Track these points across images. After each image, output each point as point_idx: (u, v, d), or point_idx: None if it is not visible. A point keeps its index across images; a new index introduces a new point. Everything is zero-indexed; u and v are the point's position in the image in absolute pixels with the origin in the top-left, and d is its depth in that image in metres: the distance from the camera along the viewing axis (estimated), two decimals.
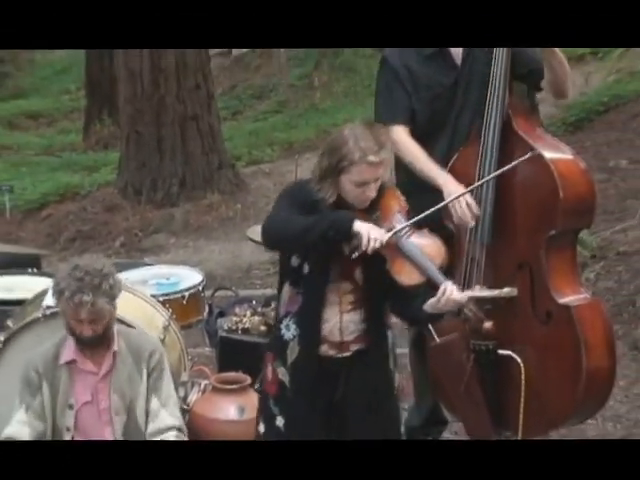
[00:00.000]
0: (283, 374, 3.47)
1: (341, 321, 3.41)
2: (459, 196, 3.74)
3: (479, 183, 3.77)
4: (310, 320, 3.41)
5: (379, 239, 3.22)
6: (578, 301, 3.79)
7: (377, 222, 3.31)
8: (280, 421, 3.48)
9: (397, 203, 3.37)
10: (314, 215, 3.30)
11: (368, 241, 3.21)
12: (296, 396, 3.45)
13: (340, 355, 3.44)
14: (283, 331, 3.47)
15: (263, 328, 4.90)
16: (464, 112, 4.01)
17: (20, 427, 3.62)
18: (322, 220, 3.27)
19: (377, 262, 3.30)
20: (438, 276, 3.24)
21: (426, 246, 3.28)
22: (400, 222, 3.31)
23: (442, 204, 3.65)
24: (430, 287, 3.26)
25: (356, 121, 3.42)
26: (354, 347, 3.44)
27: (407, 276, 3.26)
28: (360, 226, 3.24)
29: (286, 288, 3.47)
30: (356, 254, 3.25)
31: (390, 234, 3.25)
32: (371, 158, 3.24)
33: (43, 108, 16.11)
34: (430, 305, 3.28)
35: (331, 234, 3.25)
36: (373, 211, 3.35)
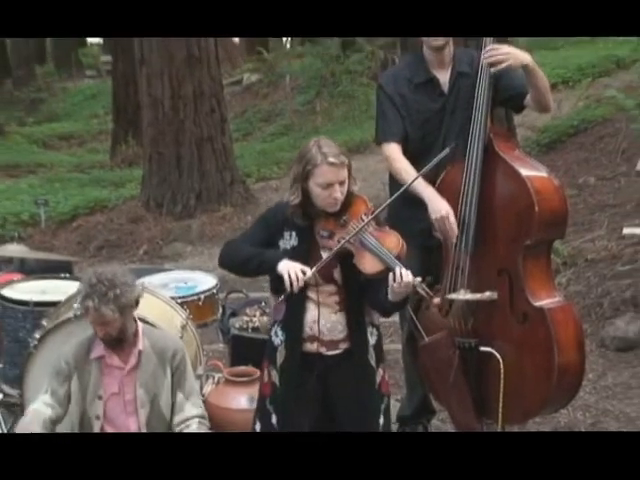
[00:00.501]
0: (275, 376, 3.47)
1: (329, 321, 3.39)
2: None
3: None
4: (294, 325, 3.40)
5: (301, 279, 3.24)
6: (552, 304, 3.78)
7: (345, 224, 3.34)
8: (274, 419, 3.48)
9: (365, 207, 3.39)
10: (285, 232, 3.38)
11: (290, 284, 3.23)
12: (285, 395, 3.44)
13: (331, 353, 3.42)
14: (273, 338, 3.48)
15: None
16: (450, 134, 4.01)
17: (44, 405, 3.61)
18: (259, 255, 3.36)
19: (351, 261, 3.31)
20: (395, 263, 3.23)
21: (386, 239, 3.30)
22: (363, 221, 3.33)
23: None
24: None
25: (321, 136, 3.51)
26: (343, 345, 3.42)
27: (369, 265, 3.28)
28: (282, 268, 3.26)
29: (272, 297, 3.48)
30: (281, 298, 3.31)
31: (314, 270, 3.27)
32: (331, 159, 3.26)
33: (74, 130, 16.18)
34: (390, 292, 3.25)
35: (264, 268, 3.35)
36: (342, 215, 3.36)
